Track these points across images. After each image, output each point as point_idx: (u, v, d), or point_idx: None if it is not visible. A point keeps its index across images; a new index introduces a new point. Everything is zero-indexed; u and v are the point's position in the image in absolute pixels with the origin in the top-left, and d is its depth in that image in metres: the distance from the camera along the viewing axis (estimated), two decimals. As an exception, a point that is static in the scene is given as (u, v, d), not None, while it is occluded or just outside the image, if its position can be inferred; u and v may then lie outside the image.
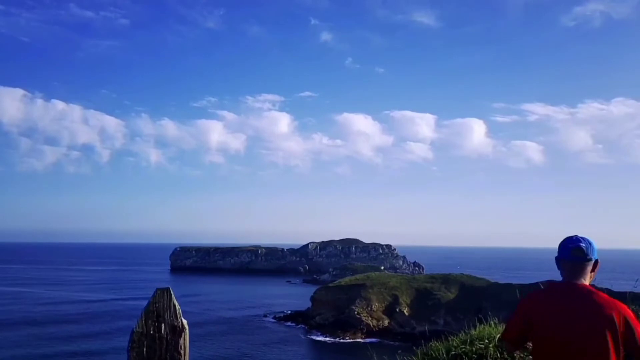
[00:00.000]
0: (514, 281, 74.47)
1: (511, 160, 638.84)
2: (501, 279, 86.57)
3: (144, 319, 2.47)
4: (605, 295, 2.90)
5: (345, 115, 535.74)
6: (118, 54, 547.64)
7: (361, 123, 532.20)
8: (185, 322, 2.58)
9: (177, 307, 2.55)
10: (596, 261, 3.04)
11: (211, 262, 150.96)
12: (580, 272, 3.00)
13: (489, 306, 61.75)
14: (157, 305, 2.51)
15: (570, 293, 2.94)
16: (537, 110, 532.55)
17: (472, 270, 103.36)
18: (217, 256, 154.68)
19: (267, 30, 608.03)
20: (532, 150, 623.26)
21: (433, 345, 5.76)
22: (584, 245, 3.00)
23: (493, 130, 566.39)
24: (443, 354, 5.34)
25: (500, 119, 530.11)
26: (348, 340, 58.51)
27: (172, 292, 2.54)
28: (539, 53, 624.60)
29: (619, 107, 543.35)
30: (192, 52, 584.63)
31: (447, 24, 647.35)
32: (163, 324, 2.51)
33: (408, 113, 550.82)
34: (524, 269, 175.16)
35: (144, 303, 2.57)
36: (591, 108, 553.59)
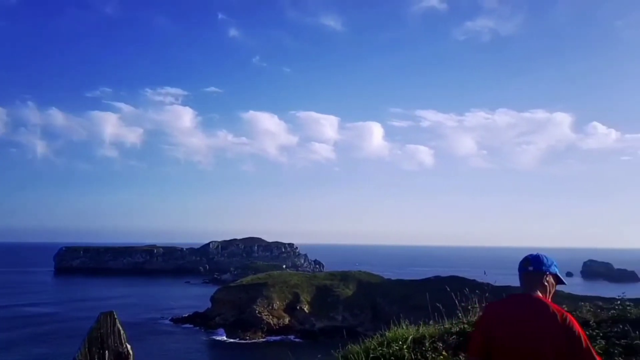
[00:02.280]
0: (405, 277, 79.02)
1: (405, 163, 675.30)
2: (394, 275, 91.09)
3: (86, 346, 2.36)
4: (554, 305, 3.12)
5: (252, 113, 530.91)
6: (3, 34, 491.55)
7: (267, 122, 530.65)
8: (129, 347, 2.50)
9: (122, 331, 2.46)
10: (549, 275, 3.26)
11: (102, 262, 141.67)
12: (532, 284, 3.23)
13: (383, 302, 64.97)
14: (101, 331, 2.40)
15: (522, 303, 3.17)
16: (430, 116, 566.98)
17: (370, 267, 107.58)
18: (108, 256, 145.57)
19: (172, 21, 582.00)
20: (425, 154, 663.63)
21: (351, 347, 5.98)
22: (531, 259, 3.29)
23: (390, 134, 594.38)
24: (362, 356, 5.58)
25: (396, 123, 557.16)
26: (249, 341, 58.12)
27: (116, 315, 2.45)
28: (433, 63, 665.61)
29: (502, 117, 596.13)
30: (88, 38, 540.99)
31: (352, 29, 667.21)
32: (107, 351, 2.41)
33: (313, 114, 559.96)
34: (415, 265, 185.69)
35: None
36: (477, 117, 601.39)
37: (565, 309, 3.30)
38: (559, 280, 3.33)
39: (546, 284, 3.26)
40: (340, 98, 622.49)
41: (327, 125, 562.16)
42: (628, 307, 6.75)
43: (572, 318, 3.05)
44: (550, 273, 3.27)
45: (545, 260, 3.30)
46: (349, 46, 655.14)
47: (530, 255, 3.34)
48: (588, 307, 6.91)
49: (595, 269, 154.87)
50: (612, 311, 6.73)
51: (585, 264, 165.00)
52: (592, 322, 6.38)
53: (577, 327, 3.00)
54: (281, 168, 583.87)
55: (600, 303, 7.34)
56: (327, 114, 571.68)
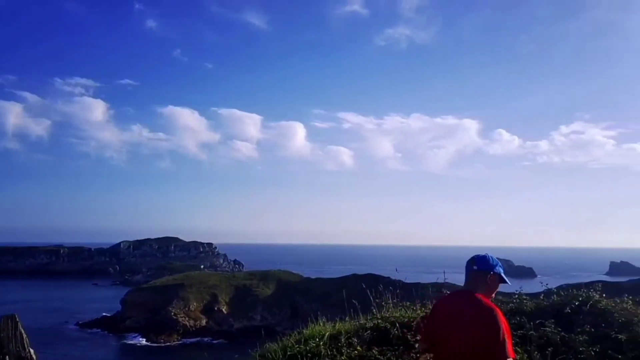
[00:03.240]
0: (325, 276, 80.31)
1: (327, 164, 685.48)
2: (314, 274, 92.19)
3: (-16, 352, 2.20)
4: (487, 301, 3.44)
5: (171, 108, 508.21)
6: None
7: (187, 117, 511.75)
8: (33, 351, 2.37)
9: (25, 336, 2.33)
10: (493, 274, 3.54)
11: (1, 264, 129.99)
12: (475, 282, 3.54)
13: (302, 300, 65.50)
14: (1, 335, 2.25)
15: (461, 298, 3.54)
16: (351, 118, 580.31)
17: (291, 266, 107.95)
18: (8, 257, 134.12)
19: (86, 8, 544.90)
20: (345, 155, 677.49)
21: (268, 346, 6.01)
22: (477, 259, 3.59)
23: (312, 135, 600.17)
24: (279, 354, 5.63)
25: (319, 124, 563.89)
26: (163, 344, 56.09)
27: (18, 319, 2.31)
28: (354, 66, 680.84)
29: (416, 121, 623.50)
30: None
31: (277, 29, 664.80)
32: (8, 356, 2.27)
33: (236, 112, 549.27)
34: (335, 263, 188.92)
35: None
36: (394, 120, 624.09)
37: (500, 306, 3.63)
38: (502, 280, 3.59)
39: (489, 282, 3.53)
40: (264, 97, 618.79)
41: (250, 123, 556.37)
42: (525, 301, 7.37)
43: (501, 314, 3.35)
44: (494, 273, 3.54)
45: (490, 260, 3.58)
46: (273, 45, 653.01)
47: (477, 255, 3.62)
48: (489, 301, 7.45)
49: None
50: (510, 305, 7.31)
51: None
52: (493, 315, 6.90)
53: (500, 322, 3.29)
54: (201, 166, 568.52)
55: (500, 297, 7.94)
56: (250, 112, 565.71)
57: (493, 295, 3.62)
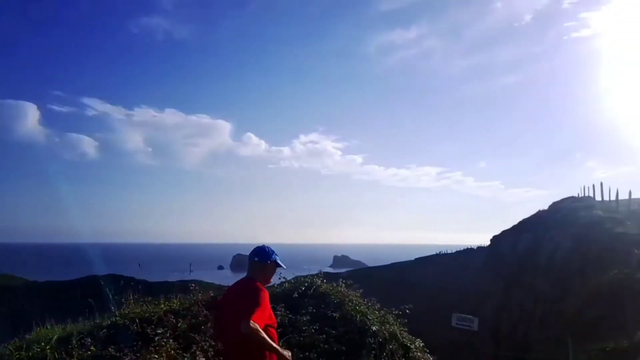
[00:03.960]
0: (55, 278, 71.00)
1: (66, 152, 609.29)
2: (41, 277, 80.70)
3: None
4: (252, 282, 4.00)
5: None
6: None
7: None
8: None
9: None
10: (270, 262, 4.13)
11: None
12: (254, 270, 4.12)
13: (27, 305, 56.75)
14: None
15: (240, 282, 4.14)
16: (96, 105, 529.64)
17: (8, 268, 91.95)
18: None
19: None
20: (88, 144, 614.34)
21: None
22: (257, 251, 4.18)
23: (48, 119, 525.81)
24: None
25: (57, 108, 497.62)
26: None
27: None
28: (103, 50, 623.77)
29: (171, 117, 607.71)
30: None
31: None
32: None
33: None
34: (68, 265, 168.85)
35: None
36: (146, 113, 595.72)
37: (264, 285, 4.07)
38: (278, 265, 4.21)
39: (267, 270, 4.15)
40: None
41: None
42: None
43: (264, 290, 3.92)
44: (272, 261, 4.15)
45: (268, 250, 4.19)
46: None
47: (257, 247, 4.23)
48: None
49: (242, 261, 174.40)
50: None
51: (234, 257, 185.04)
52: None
53: (257, 290, 3.85)
54: None
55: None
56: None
57: (271, 280, 4.30)
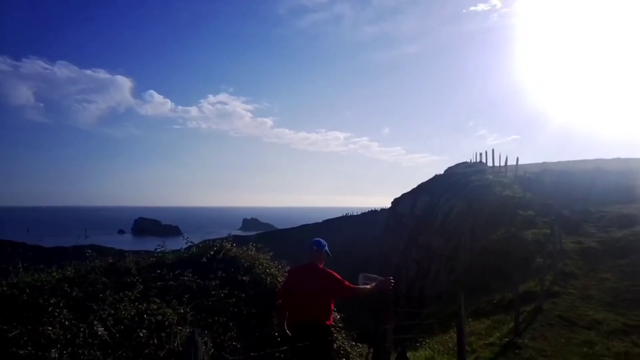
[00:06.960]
0: None
1: None
2: None
3: None
4: (322, 267, 5.20)
5: None
6: None
7: None
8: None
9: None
10: (324, 251, 5.34)
11: None
12: (314, 258, 5.30)
13: None
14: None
15: (307, 267, 5.24)
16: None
17: None
18: None
19: None
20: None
21: None
22: (315, 242, 5.39)
23: None
24: None
25: None
26: None
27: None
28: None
29: (63, 70, 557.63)
30: None
31: None
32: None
33: None
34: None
35: None
36: (36, 65, 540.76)
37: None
38: (329, 255, 5.44)
39: (321, 256, 5.35)
40: None
41: None
42: (167, 255, 7.76)
43: (331, 271, 5.10)
44: (325, 251, 5.38)
45: (323, 243, 5.43)
46: None
47: (315, 240, 5.45)
48: (131, 258, 7.53)
49: (145, 225, 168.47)
50: (151, 259, 7.58)
51: (135, 221, 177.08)
52: (134, 270, 7.04)
53: (332, 273, 5.07)
54: None
55: (142, 253, 8.13)
56: None
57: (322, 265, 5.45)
